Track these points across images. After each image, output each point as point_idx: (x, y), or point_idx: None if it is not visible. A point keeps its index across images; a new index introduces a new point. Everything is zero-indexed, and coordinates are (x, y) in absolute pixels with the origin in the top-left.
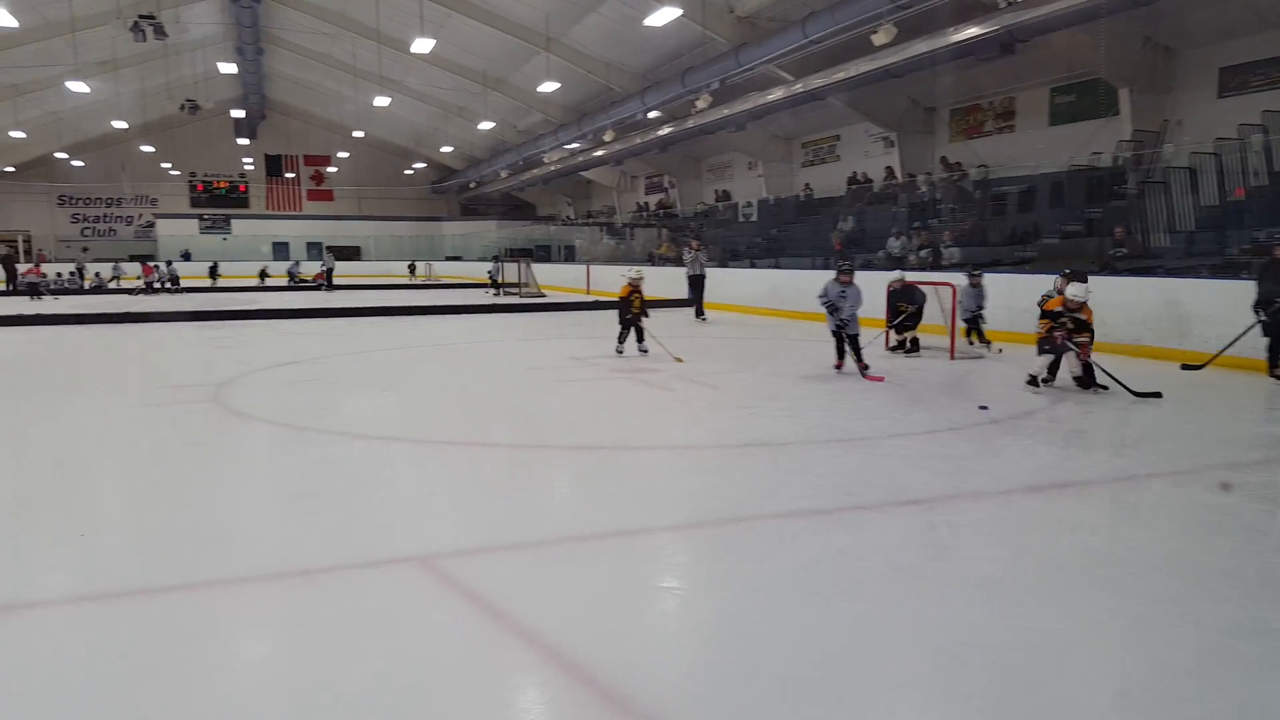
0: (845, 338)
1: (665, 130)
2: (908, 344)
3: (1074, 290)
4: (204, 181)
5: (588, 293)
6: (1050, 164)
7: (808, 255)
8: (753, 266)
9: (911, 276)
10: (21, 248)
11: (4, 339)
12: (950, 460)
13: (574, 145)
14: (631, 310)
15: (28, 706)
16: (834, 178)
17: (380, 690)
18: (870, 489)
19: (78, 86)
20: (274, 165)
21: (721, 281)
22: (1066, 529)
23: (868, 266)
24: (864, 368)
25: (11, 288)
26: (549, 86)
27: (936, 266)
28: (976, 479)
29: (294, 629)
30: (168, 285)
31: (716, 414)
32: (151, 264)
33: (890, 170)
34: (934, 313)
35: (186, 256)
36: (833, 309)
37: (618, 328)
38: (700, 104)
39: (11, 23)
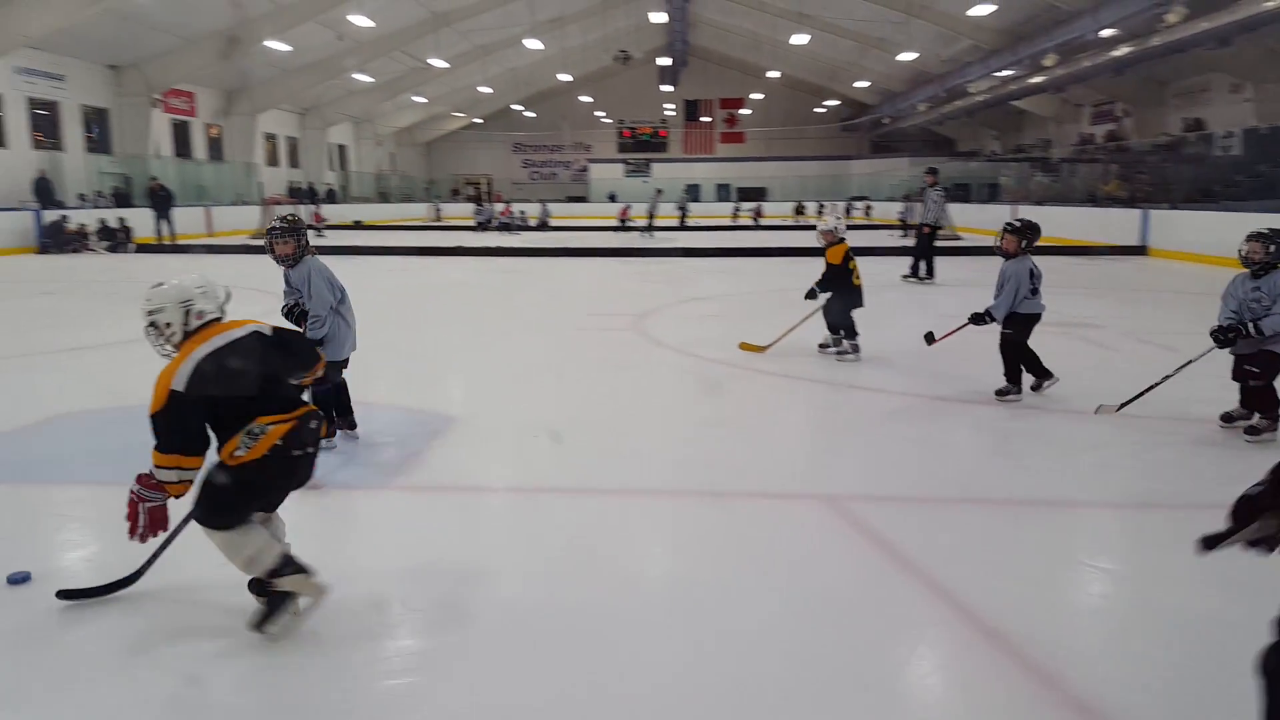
0: None
1: (1122, 50)
2: None
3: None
4: (630, 128)
5: None
6: None
7: None
8: (1234, 210)
9: None
10: (483, 189)
11: (469, 267)
12: None
13: (1007, 72)
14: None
15: (481, 565)
16: None
17: (783, 615)
18: None
19: (532, 44)
20: (692, 110)
21: (1177, 226)
22: None
23: None
24: None
25: (477, 224)
26: (982, 9)
27: None
28: None
29: (704, 544)
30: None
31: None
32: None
33: None
34: None
35: (613, 198)
36: None
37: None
38: (1171, 18)
39: None
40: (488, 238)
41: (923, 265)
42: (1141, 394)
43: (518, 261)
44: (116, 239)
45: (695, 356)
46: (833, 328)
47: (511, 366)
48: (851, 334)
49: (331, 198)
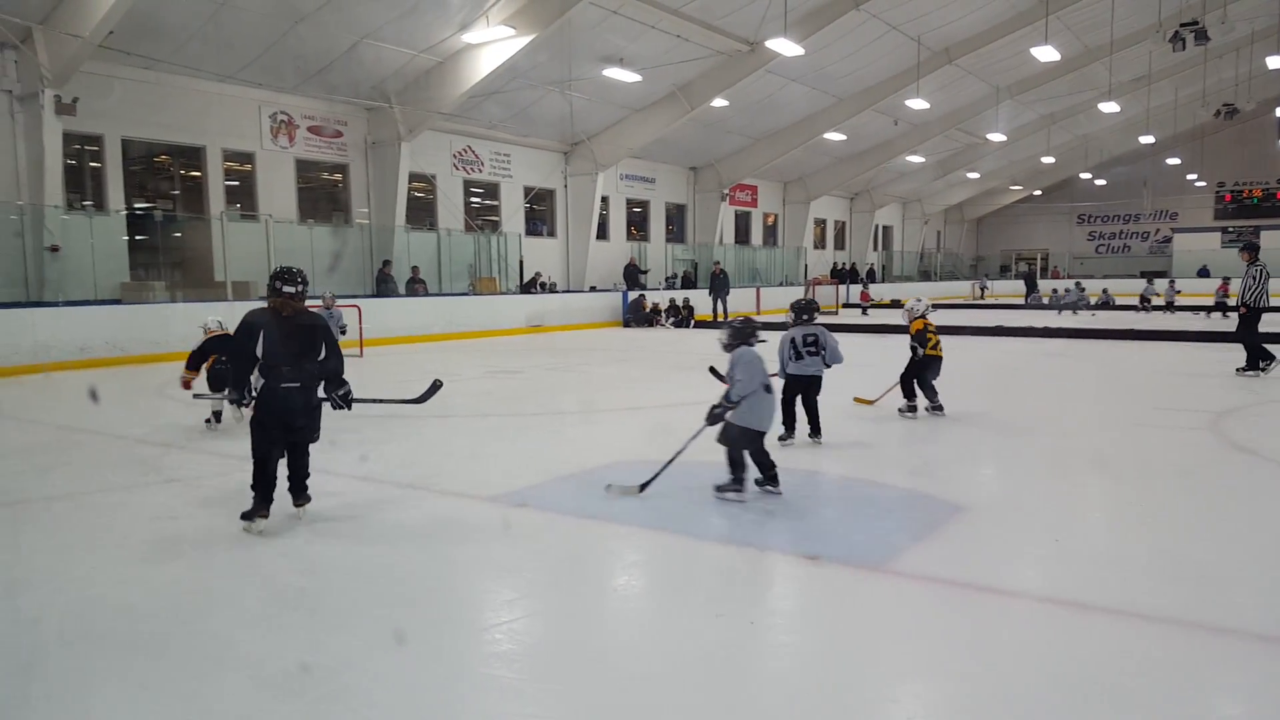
0: None
1: None
2: None
3: None
4: (1233, 191)
5: None
6: None
7: None
8: None
9: None
10: (1039, 265)
11: (1011, 349)
12: None
13: None
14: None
15: (978, 688)
16: None
17: None
18: None
19: (1108, 107)
20: None
21: None
22: None
23: None
24: None
25: (1027, 301)
26: None
27: None
28: None
29: None
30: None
31: None
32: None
33: None
34: None
35: (1204, 273)
36: None
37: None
38: None
39: (1054, 56)
40: (1036, 317)
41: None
42: (658, 474)
43: (1068, 344)
44: (680, 316)
45: None
46: (908, 388)
47: (1046, 459)
48: (910, 393)
49: (871, 277)
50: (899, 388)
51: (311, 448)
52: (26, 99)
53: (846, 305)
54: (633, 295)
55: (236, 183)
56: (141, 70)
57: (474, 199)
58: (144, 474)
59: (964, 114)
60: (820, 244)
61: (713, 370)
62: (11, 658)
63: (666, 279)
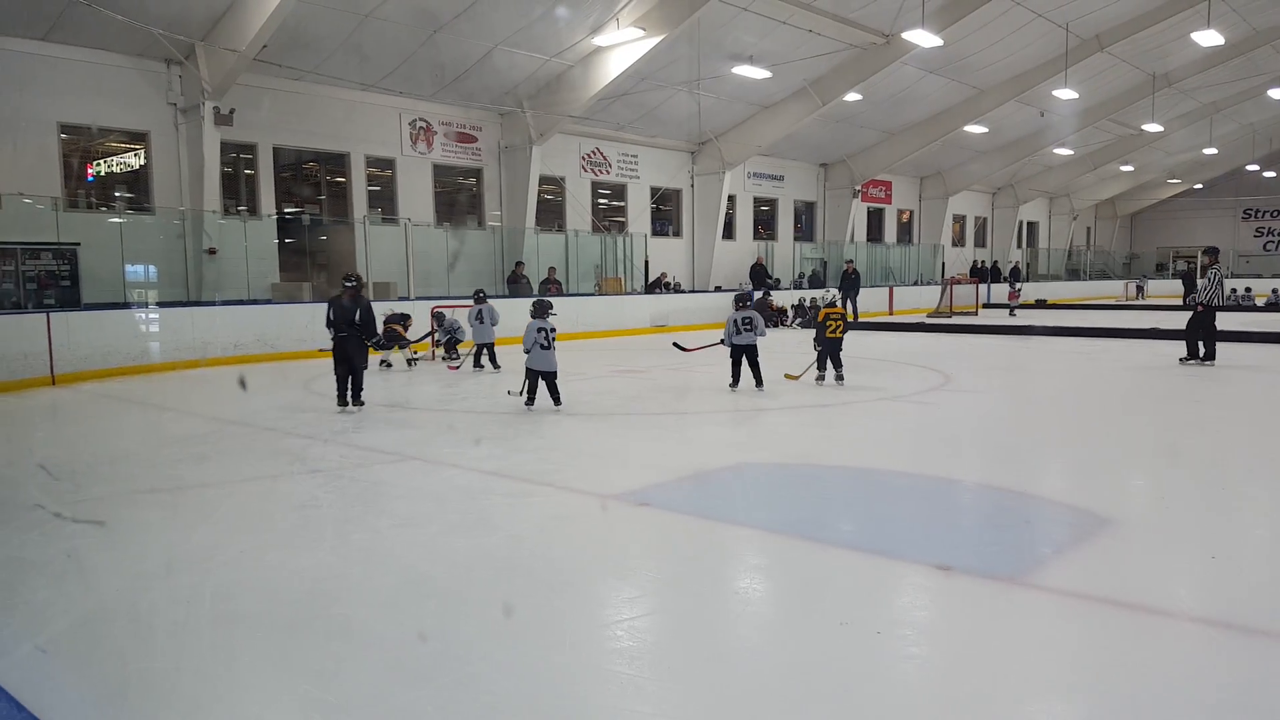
0: None
1: None
2: None
3: None
4: None
5: None
6: None
7: None
8: None
9: None
10: (1199, 264)
11: (1168, 353)
12: None
13: None
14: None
15: (1124, 709)
16: None
17: None
18: None
19: (1279, 94)
20: None
21: None
22: None
23: None
24: None
25: (1186, 303)
26: None
27: None
28: None
29: None
30: None
31: None
32: None
33: None
34: None
35: None
36: None
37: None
38: None
39: (1218, 40)
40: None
41: (1202, 347)
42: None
43: (1236, 349)
44: (807, 317)
45: None
46: (820, 362)
47: (1202, 470)
48: (821, 366)
49: (1016, 275)
50: (818, 365)
51: (444, 441)
52: (189, 111)
53: (987, 305)
54: (758, 295)
55: (378, 188)
56: (291, 81)
57: (601, 200)
58: (289, 464)
59: (1117, 104)
60: (959, 241)
61: (676, 344)
62: (166, 632)
63: (792, 280)
